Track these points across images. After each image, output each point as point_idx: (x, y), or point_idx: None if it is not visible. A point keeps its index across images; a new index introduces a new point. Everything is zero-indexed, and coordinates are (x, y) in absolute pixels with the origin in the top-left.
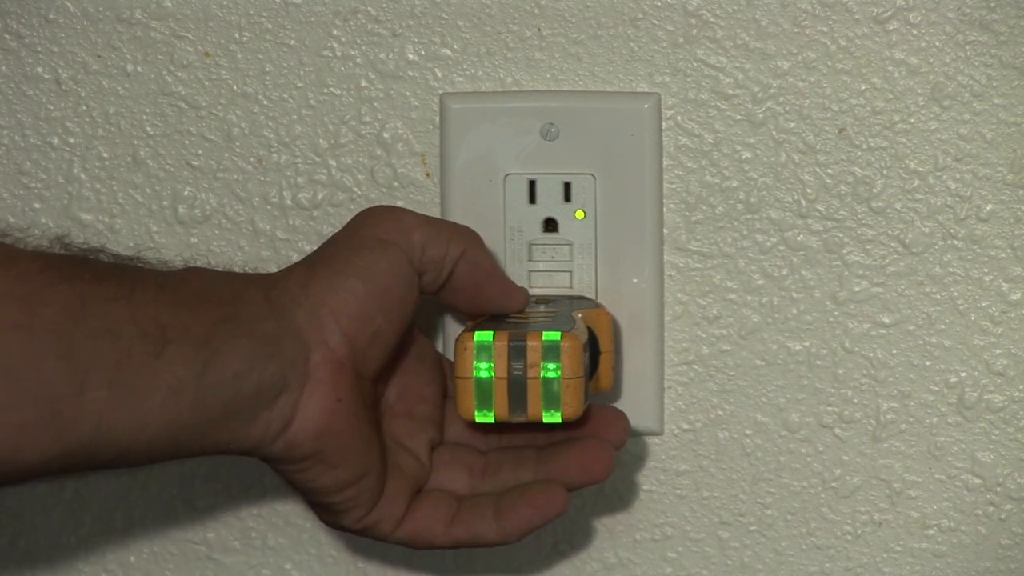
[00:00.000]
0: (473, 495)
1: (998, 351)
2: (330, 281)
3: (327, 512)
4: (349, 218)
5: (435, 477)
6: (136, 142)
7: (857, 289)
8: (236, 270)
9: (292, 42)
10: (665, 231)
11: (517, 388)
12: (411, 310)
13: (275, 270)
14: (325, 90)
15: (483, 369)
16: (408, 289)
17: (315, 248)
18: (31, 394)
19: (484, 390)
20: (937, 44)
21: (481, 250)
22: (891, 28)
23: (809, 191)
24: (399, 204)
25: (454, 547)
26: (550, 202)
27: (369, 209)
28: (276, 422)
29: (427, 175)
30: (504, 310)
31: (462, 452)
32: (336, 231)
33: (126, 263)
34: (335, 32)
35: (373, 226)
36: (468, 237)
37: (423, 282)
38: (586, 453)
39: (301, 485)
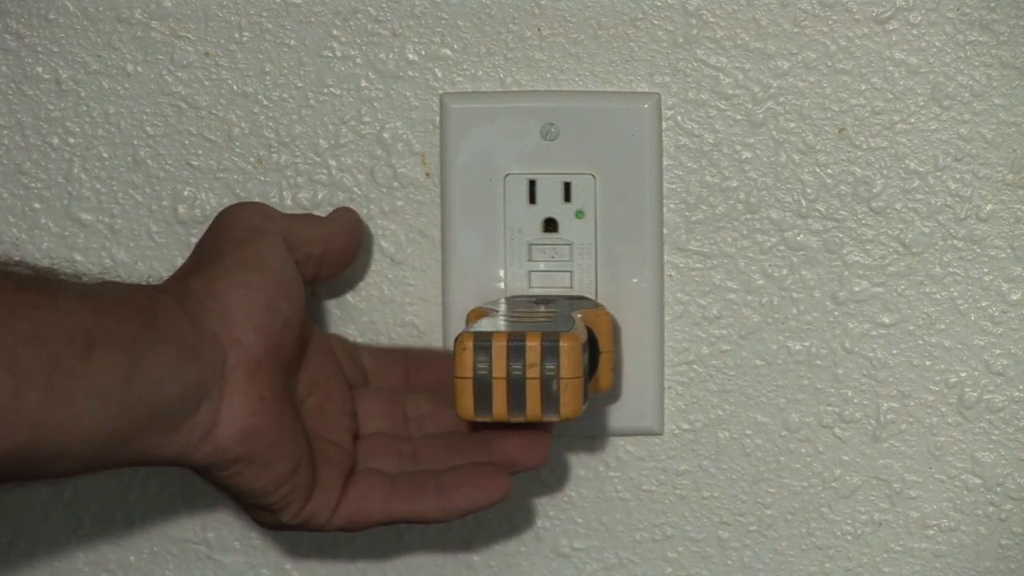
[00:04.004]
0: (410, 472)
1: (998, 351)
2: (228, 278)
3: (264, 512)
4: None
5: (364, 462)
6: (136, 142)
7: (857, 289)
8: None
9: (292, 42)
10: (665, 231)
11: (516, 388)
12: (303, 292)
13: None
14: (325, 90)
15: (482, 369)
16: (295, 271)
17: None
18: None
19: (483, 390)
20: (937, 44)
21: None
22: (891, 28)
23: (809, 191)
24: (399, 204)
25: (392, 523)
26: (550, 202)
27: (228, 208)
28: (199, 428)
29: (427, 175)
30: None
31: (389, 440)
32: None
33: (45, 274)
34: (335, 32)
35: (242, 219)
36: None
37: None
38: (526, 437)
39: (237, 490)
